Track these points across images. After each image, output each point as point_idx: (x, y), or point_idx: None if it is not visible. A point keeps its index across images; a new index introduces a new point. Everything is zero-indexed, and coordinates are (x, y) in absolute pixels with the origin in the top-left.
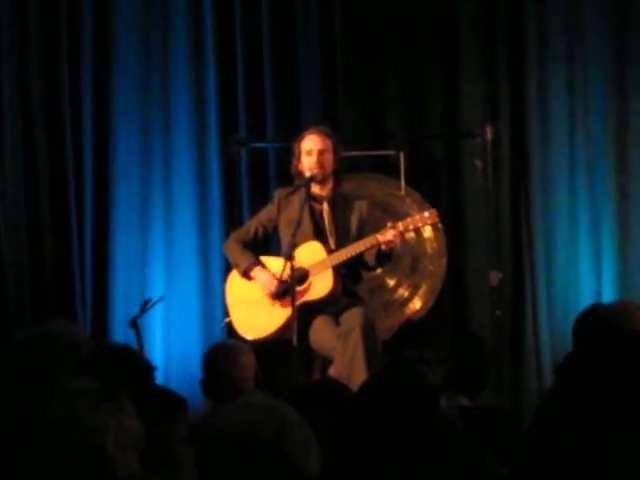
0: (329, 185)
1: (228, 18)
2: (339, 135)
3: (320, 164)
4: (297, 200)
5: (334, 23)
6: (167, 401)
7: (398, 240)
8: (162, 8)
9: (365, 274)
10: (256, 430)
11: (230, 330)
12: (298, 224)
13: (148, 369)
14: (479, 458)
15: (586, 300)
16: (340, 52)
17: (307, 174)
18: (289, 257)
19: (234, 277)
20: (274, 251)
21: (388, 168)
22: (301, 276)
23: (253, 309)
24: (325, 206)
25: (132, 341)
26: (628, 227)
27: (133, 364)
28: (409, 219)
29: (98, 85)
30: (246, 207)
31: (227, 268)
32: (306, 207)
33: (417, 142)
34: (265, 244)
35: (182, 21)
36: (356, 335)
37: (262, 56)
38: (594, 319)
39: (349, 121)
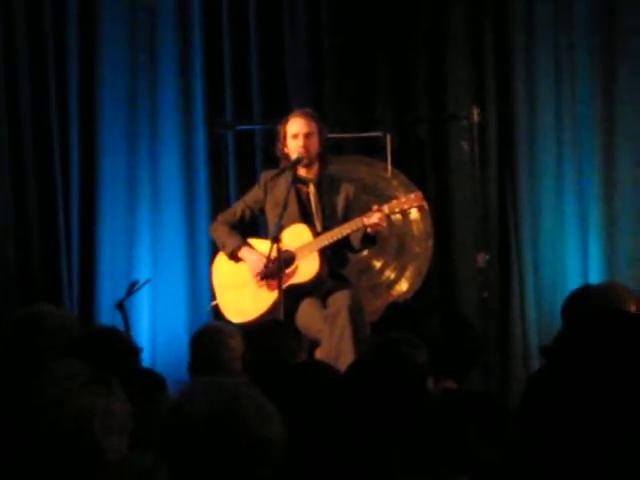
0: (315, 167)
1: (215, 1)
2: (324, 117)
3: (306, 147)
4: (283, 182)
5: (320, 7)
6: (147, 381)
7: (384, 223)
8: None
9: (352, 256)
10: (209, 405)
11: (216, 313)
12: (284, 206)
13: (134, 350)
14: (465, 440)
15: (573, 281)
16: (326, 35)
17: (293, 156)
18: (276, 239)
19: (220, 260)
20: (261, 234)
21: (375, 150)
22: (287, 259)
23: (239, 292)
24: (312, 188)
25: (119, 324)
26: (614, 209)
27: (119, 346)
28: (395, 202)
29: (84, 69)
30: (233, 190)
31: (214, 250)
32: (292, 189)
33: (404, 124)
34: (252, 226)
35: (169, 4)
36: (343, 317)
37: (248, 39)
38: (584, 300)
39: (336, 103)
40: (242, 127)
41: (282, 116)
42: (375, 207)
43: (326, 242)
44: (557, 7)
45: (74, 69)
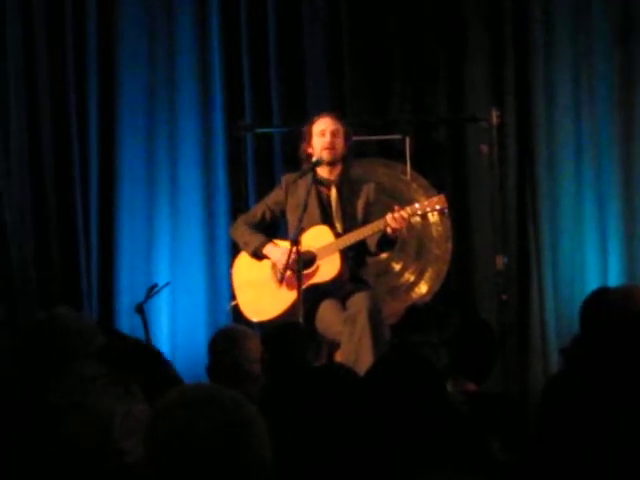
0: (337, 170)
1: (234, 3)
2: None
3: (332, 145)
4: (304, 184)
5: (340, 9)
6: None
7: (405, 225)
8: None
9: (370, 259)
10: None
11: (236, 313)
12: (304, 208)
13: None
14: (484, 442)
15: (592, 283)
16: (346, 38)
17: (313, 158)
18: (295, 242)
19: (241, 259)
20: (282, 236)
21: (394, 153)
22: (309, 259)
23: (259, 291)
24: (333, 191)
25: (138, 326)
26: (634, 209)
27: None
28: (417, 205)
29: (104, 71)
30: (252, 192)
31: (233, 253)
32: (313, 191)
33: (423, 127)
34: (273, 228)
35: (187, 5)
36: (363, 319)
37: (268, 42)
38: (602, 303)
39: (355, 106)
40: (261, 130)
41: (301, 119)
42: (397, 208)
43: (347, 243)
44: (576, 9)
45: (94, 74)
